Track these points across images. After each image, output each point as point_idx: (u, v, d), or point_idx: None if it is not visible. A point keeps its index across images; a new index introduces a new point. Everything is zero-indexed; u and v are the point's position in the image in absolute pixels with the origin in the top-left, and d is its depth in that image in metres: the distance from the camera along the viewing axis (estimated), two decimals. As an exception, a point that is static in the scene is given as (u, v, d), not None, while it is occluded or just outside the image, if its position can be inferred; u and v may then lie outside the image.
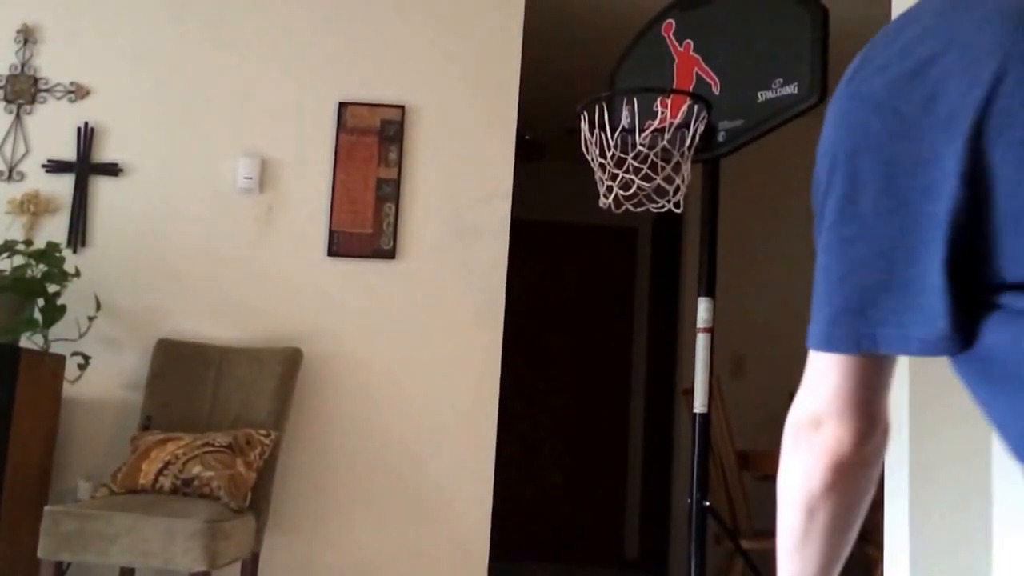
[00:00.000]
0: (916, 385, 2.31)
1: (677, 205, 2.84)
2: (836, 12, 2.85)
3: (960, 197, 0.70)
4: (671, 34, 3.17)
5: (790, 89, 2.83)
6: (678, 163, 2.84)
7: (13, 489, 2.77)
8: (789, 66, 2.84)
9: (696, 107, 2.87)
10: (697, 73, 3.06)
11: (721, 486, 3.40)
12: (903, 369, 2.34)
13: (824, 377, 0.82)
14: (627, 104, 2.85)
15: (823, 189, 0.80)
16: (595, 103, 2.85)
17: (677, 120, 2.87)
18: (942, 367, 2.26)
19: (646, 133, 2.81)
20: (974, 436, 2.25)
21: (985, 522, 2.21)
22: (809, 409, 0.84)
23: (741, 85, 2.95)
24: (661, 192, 2.83)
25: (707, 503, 2.83)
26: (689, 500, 2.77)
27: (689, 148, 2.85)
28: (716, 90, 3.00)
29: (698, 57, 3.07)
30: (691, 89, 3.02)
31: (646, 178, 2.79)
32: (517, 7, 3.49)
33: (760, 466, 3.45)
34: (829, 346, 0.79)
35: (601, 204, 2.79)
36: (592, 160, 2.82)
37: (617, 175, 2.76)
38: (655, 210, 2.85)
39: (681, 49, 3.13)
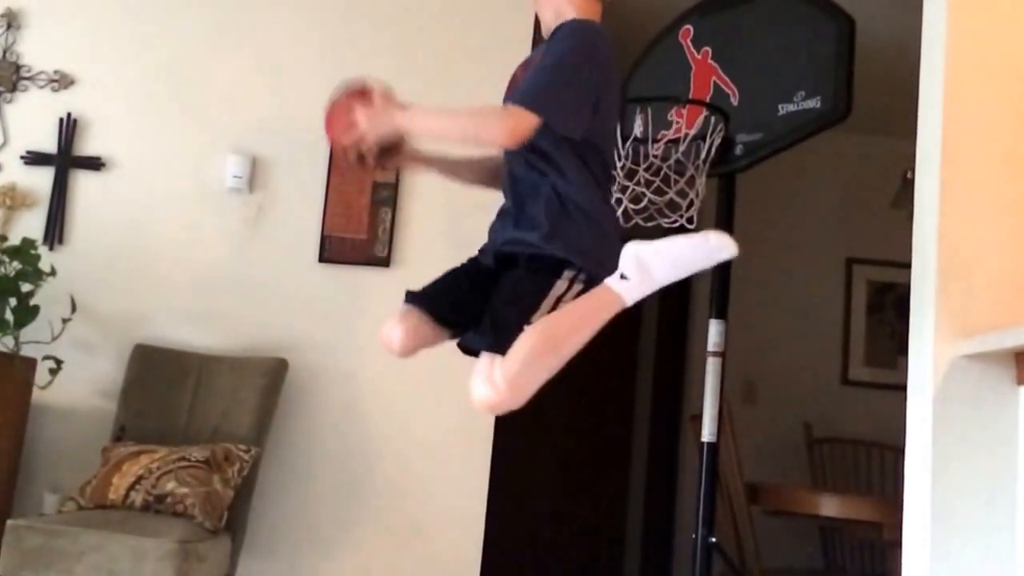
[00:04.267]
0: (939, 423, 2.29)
1: (690, 221, 2.83)
2: (863, 25, 2.85)
3: None
4: (688, 40, 3.18)
5: (813, 103, 2.82)
6: (692, 176, 2.84)
7: (-25, 499, 2.76)
8: (813, 78, 2.84)
9: (713, 118, 2.87)
10: (715, 82, 3.06)
11: (728, 521, 3.38)
12: (927, 402, 2.33)
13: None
14: (640, 112, 2.85)
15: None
16: (606, 110, 2.85)
17: (693, 131, 2.87)
18: (966, 408, 2.26)
19: (659, 144, 2.82)
20: (998, 468, 2.24)
21: (1009, 554, 2.20)
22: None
23: (761, 96, 2.95)
24: (673, 206, 2.83)
25: (713, 539, 2.82)
26: (694, 535, 2.76)
27: (704, 161, 2.85)
28: (735, 101, 3.00)
29: (716, 66, 3.07)
30: (708, 99, 3.02)
31: (658, 191, 2.79)
32: (528, 3, 3.48)
33: (771, 500, 3.43)
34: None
35: (609, 217, 2.78)
36: (601, 170, 2.81)
37: (627, 187, 2.75)
38: (667, 225, 2.84)
39: (699, 56, 3.13)
